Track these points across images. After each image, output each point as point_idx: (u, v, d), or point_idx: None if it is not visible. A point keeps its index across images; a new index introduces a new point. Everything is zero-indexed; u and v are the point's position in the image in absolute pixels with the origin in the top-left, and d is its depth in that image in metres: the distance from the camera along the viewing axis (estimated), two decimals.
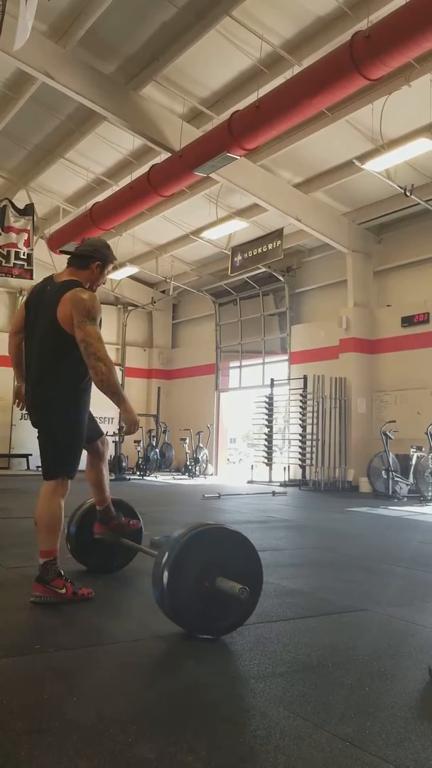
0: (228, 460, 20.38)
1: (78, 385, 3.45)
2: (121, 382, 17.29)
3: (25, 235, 13.83)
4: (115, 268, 15.25)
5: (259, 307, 16.45)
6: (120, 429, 3.39)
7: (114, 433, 15.01)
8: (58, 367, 3.42)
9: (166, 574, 2.79)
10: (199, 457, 16.11)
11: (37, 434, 3.55)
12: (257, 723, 2.08)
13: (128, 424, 3.33)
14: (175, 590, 2.81)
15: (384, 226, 13.56)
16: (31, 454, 16.61)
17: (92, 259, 3.56)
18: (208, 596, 2.82)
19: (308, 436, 13.32)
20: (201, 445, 16.24)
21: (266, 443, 14.99)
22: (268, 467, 14.89)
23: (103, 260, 3.58)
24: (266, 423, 14.92)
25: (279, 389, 15.02)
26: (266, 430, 15.03)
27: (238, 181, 11.86)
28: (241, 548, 2.99)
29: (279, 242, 13.66)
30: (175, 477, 15.74)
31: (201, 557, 2.86)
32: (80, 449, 3.56)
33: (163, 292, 18.87)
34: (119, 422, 3.51)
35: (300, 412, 13.64)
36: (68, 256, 3.61)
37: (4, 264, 13.69)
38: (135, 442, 16.12)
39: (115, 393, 3.25)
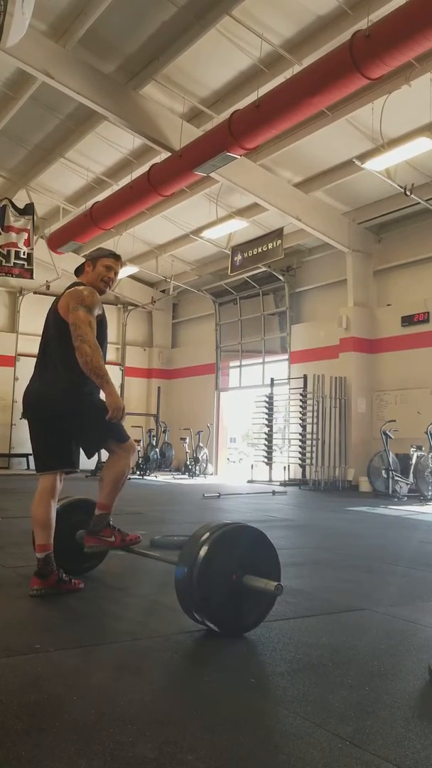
0: (228, 459, 20.39)
1: (79, 373, 3.47)
2: (121, 382, 17.12)
3: (25, 235, 13.83)
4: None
5: (259, 306, 16.45)
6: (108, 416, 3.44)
7: None
8: (60, 354, 3.54)
9: (196, 572, 2.80)
10: (199, 457, 16.10)
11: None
12: (257, 722, 2.08)
13: (111, 408, 3.43)
14: (205, 589, 2.82)
15: (384, 226, 13.56)
16: (31, 454, 16.61)
17: (84, 264, 3.83)
18: (236, 594, 2.87)
19: (308, 436, 13.32)
20: (201, 444, 16.24)
21: (266, 443, 14.99)
22: (268, 467, 14.90)
23: (91, 258, 3.80)
24: (266, 422, 14.92)
25: (279, 389, 15.02)
26: (266, 429, 15.03)
27: (238, 180, 11.86)
28: (262, 546, 3.05)
29: (279, 242, 13.66)
30: (175, 476, 15.75)
31: (230, 555, 2.90)
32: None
33: (163, 291, 18.87)
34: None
35: (300, 412, 13.65)
36: (74, 268, 3.94)
37: (4, 264, 13.69)
38: (135, 441, 16.11)
39: (99, 376, 3.40)
